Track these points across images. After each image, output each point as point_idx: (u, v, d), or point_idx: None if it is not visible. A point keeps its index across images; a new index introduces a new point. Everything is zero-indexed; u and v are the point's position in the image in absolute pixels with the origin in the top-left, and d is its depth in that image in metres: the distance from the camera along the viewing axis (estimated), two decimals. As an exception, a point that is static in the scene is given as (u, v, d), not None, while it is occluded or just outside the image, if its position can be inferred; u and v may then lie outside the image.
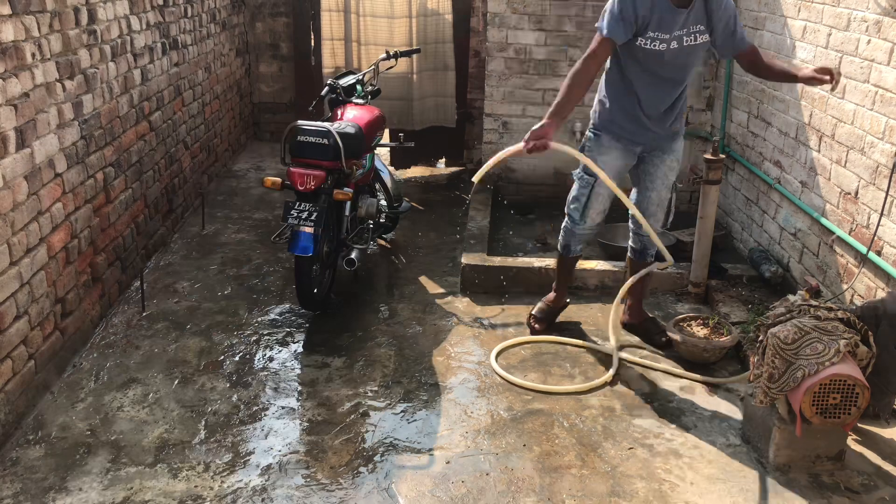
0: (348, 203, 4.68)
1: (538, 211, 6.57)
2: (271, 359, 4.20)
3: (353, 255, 4.66)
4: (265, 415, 3.70)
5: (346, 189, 4.50)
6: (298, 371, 4.09)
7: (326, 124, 4.52)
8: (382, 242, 5.81)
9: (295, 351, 4.29)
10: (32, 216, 3.66)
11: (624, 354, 4.26)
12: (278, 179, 4.48)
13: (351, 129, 4.59)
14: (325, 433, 3.58)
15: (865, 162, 4.04)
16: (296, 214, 4.27)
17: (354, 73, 5.53)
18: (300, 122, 4.54)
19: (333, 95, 5.21)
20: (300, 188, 4.33)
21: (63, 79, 3.96)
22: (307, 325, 4.57)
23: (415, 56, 6.88)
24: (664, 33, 3.79)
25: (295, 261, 4.38)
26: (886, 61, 3.86)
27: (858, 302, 3.83)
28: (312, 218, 4.26)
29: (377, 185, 5.53)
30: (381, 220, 5.40)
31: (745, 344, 4.18)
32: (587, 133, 4.21)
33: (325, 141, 4.40)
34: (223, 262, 5.38)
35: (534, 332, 4.50)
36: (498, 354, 4.24)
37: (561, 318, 4.69)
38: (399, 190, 5.73)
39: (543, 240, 5.90)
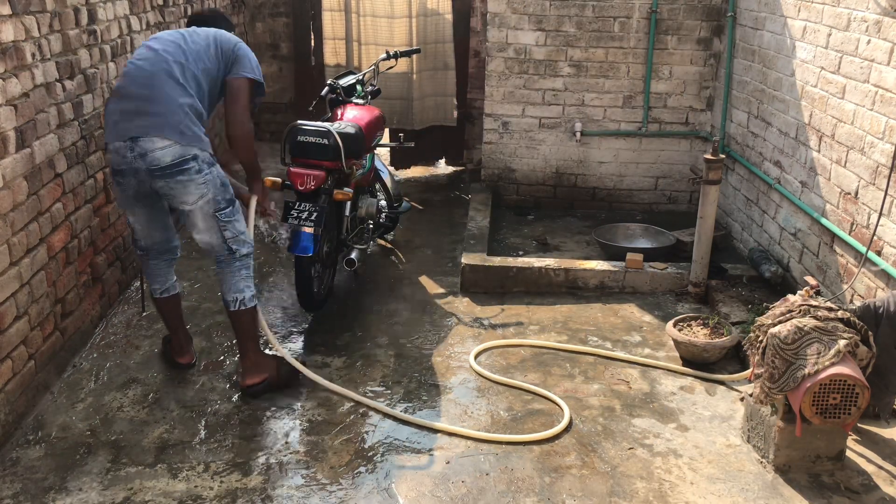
0: (348, 203, 4.68)
1: (538, 211, 6.58)
2: (271, 359, 4.19)
3: (353, 256, 4.66)
4: (265, 415, 3.70)
5: (346, 189, 4.50)
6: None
7: (326, 124, 4.52)
8: (383, 242, 5.81)
9: (295, 351, 4.29)
10: (32, 216, 3.66)
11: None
12: (278, 179, 4.48)
13: (351, 129, 4.58)
14: (325, 433, 3.58)
15: (865, 162, 4.04)
16: (296, 214, 4.27)
17: (354, 73, 5.53)
18: (300, 122, 4.54)
19: (333, 95, 5.20)
20: (300, 188, 4.33)
21: (63, 79, 3.96)
22: (307, 325, 4.57)
23: (415, 56, 6.88)
24: None
25: (295, 261, 4.38)
26: (886, 61, 3.86)
27: (858, 302, 3.83)
28: (313, 218, 4.25)
29: (377, 185, 5.53)
30: (382, 220, 5.40)
31: (745, 344, 4.17)
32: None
33: (326, 141, 4.39)
34: (223, 262, 5.37)
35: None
36: (477, 356, 4.25)
37: (560, 317, 4.69)
38: (399, 190, 5.73)
39: (543, 240, 5.91)
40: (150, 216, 3.77)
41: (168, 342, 4.12)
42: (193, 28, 3.89)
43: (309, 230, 4.23)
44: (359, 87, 5.39)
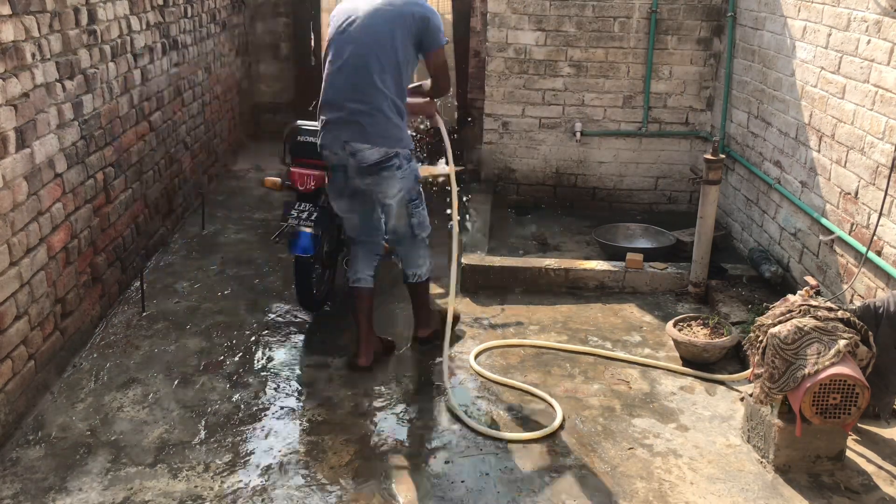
0: None
1: (537, 211, 6.58)
2: (271, 359, 4.20)
3: None
4: (265, 415, 3.70)
5: None
6: (298, 371, 4.09)
7: None
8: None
9: (295, 351, 4.29)
10: (32, 216, 3.66)
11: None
12: (278, 180, 4.48)
13: None
14: (325, 433, 3.58)
15: (865, 162, 4.04)
16: (296, 215, 4.27)
17: None
18: (300, 122, 4.54)
19: None
20: (300, 188, 4.33)
21: (63, 79, 3.96)
22: (307, 325, 4.57)
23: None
24: None
25: (295, 261, 4.38)
26: (886, 61, 3.86)
27: (858, 302, 3.83)
28: (312, 218, 4.25)
29: None
30: None
31: (745, 344, 4.17)
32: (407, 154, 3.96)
33: None
34: (223, 262, 5.38)
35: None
36: (477, 356, 4.25)
37: (561, 317, 4.69)
38: None
39: (543, 240, 5.91)
40: (352, 208, 4.11)
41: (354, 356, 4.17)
42: (376, 8, 3.82)
43: (308, 230, 4.23)
44: None
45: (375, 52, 3.77)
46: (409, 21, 3.80)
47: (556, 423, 3.63)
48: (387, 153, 3.83)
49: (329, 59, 3.89)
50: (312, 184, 4.31)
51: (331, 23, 3.96)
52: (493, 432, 3.57)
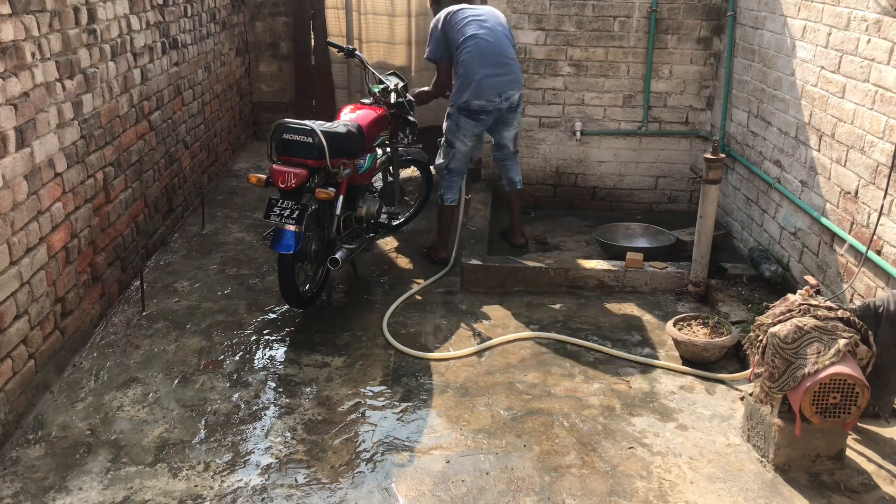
0: (339, 202, 4.64)
1: (538, 210, 6.57)
2: (271, 358, 4.20)
3: (337, 255, 4.62)
4: (265, 414, 3.71)
5: (329, 188, 4.46)
6: (298, 370, 4.09)
7: (311, 123, 4.49)
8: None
9: (295, 350, 4.29)
10: (32, 216, 3.66)
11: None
12: (263, 176, 4.45)
13: (341, 129, 4.57)
14: (325, 433, 3.58)
15: (865, 161, 4.04)
16: (278, 212, 4.25)
17: (396, 78, 5.54)
18: (286, 119, 4.52)
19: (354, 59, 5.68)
20: (281, 185, 4.32)
21: (63, 78, 3.96)
22: (307, 325, 4.57)
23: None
24: None
25: (278, 258, 4.37)
26: (886, 61, 3.86)
27: (858, 301, 3.83)
28: (294, 216, 4.23)
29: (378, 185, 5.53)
30: (382, 220, 5.39)
31: (744, 343, 4.17)
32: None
33: (309, 139, 4.37)
34: (223, 261, 5.38)
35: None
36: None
37: (560, 317, 4.69)
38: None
39: (543, 240, 5.90)
40: (472, 147, 5.45)
41: (432, 250, 5.49)
42: (488, 9, 5.42)
43: (291, 228, 4.22)
44: (372, 87, 5.42)
45: (502, 27, 5.32)
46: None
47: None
48: (521, 95, 5.38)
49: (474, 32, 5.19)
50: (293, 181, 4.29)
51: (452, 19, 5.25)
52: (417, 352, 4.19)
